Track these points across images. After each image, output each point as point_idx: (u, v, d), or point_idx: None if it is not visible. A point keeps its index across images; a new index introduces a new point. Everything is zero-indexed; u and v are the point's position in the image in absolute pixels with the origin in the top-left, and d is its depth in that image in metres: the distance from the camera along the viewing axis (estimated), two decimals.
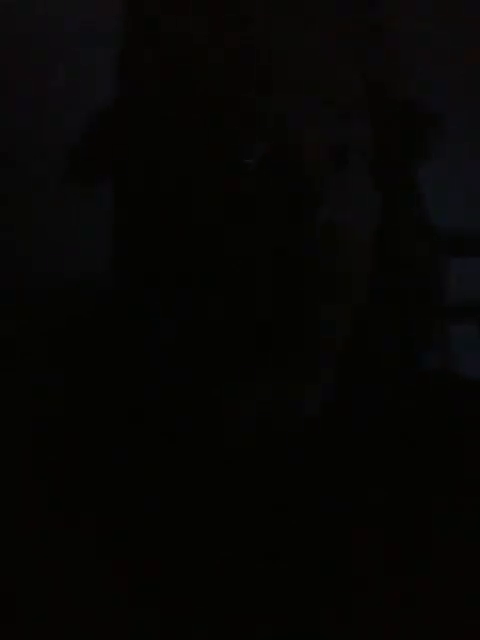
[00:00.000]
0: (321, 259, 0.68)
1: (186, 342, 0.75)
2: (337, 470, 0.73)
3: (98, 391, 0.77)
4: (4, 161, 1.06)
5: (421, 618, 0.70)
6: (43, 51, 1.08)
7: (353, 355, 0.75)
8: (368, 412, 0.75)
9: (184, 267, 0.71)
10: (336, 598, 0.70)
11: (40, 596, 0.70)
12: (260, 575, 0.70)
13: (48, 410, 0.77)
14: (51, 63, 1.08)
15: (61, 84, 1.07)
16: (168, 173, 0.70)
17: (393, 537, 0.72)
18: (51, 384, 0.79)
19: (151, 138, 0.71)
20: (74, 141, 0.73)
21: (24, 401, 0.78)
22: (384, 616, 0.69)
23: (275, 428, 0.73)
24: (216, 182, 0.68)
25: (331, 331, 0.70)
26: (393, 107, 0.73)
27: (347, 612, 0.70)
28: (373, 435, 0.75)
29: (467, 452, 0.75)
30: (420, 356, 0.77)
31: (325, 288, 0.68)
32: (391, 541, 0.71)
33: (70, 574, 0.71)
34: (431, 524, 0.72)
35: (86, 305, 0.79)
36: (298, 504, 0.72)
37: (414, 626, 0.69)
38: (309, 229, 0.67)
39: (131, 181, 0.73)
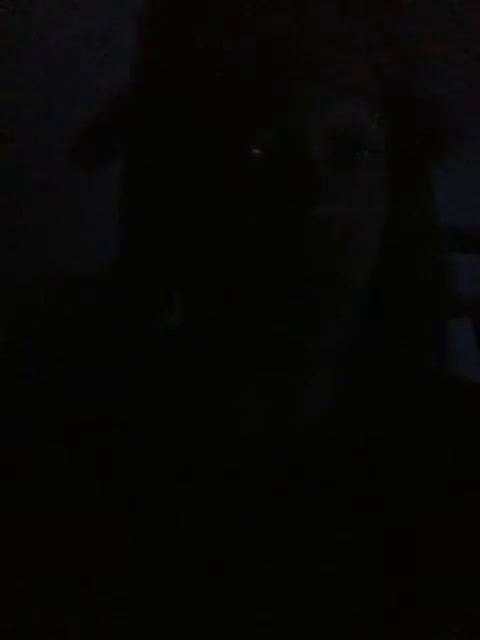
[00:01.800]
0: (321, 259, 0.67)
1: (187, 341, 0.75)
2: (338, 471, 0.73)
3: (99, 391, 0.77)
4: (4, 159, 1.06)
5: (421, 618, 0.70)
6: (43, 51, 1.09)
7: (355, 356, 0.75)
8: (369, 412, 0.75)
9: (186, 264, 0.71)
10: (336, 599, 0.70)
11: (40, 595, 0.70)
12: (260, 576, 0.70)
13: (48, 410, 0.77)
14: (51, 63, 1.09)
15: (61, 84, 1.07)
16: (174, 165, 0.70)
17: (393, 537, 0.72)
18: (51, 384, 0.79)
19: (158, 130, 0.71)
20: (79, 131, 0.73)
21: (24, 401, 0.78)
22: (384, 617, 0.70)
23: (276, 430, 0.73)
24: (223, 172, 0.68)
25: (332, 330, 0.69)
26: (411, 104, 0.72)
27: (347, 612, 0.70)
28: (373, 435, 0.75)
29: (467, 451, 0.76)
30: (424, 356, 0.77)
31: (325, 289, 0.68)
32: (391, 541, 0.71)
33: (69, 573, 0.71)
34: (431, 523, 0.72)
35: (87, 304, 0.79)
36: (298, 505, 0.72)
37: (414, 627, 0.69)
38: (309, 228, 0.66)
39: (136, 173, 0.72)
